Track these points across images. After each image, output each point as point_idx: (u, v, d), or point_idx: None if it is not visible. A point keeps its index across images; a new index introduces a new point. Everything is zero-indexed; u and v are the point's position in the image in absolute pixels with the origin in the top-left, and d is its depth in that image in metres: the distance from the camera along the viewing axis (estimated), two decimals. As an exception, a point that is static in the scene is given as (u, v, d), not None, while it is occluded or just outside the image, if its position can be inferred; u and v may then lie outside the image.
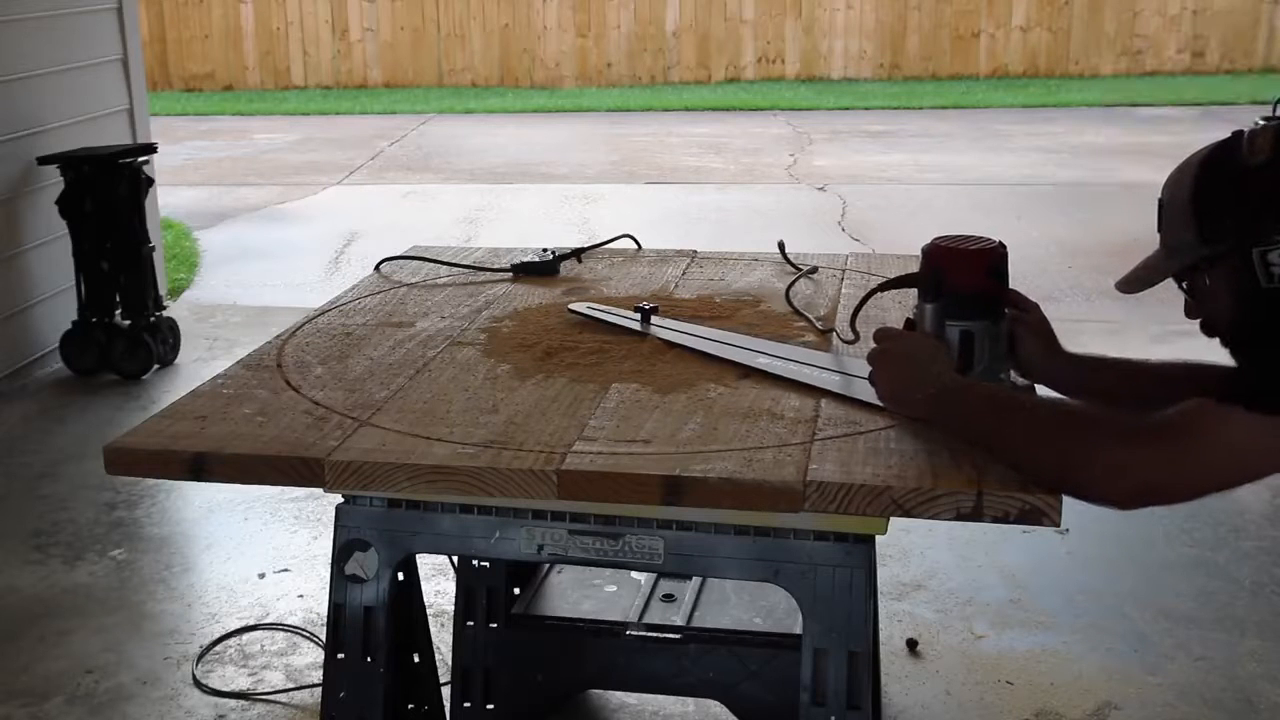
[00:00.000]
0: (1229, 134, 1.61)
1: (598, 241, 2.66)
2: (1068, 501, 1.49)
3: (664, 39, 13.25)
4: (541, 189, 8.48)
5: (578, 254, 2.57)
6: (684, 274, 2.47)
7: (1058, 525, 1.51)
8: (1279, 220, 1.49)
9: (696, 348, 1.98)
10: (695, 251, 2.64)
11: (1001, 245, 1.72)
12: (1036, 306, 1.86)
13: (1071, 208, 7.39)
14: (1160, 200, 1.65)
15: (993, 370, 1.72)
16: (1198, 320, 1.65)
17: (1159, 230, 1.66)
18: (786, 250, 2.52)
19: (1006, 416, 1.58)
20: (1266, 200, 1.51)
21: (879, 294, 1.91)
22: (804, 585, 1.65)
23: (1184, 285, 1.65)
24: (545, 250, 2.54)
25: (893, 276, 1.90)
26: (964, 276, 1.70)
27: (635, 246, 2.66)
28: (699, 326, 2.08)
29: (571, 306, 2.21)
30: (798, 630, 1.71)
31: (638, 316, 2.11)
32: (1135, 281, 1.69)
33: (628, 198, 8.19)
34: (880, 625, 2.81)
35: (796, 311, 2.18)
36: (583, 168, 9.22)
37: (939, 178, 8.49)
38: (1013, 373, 1.79)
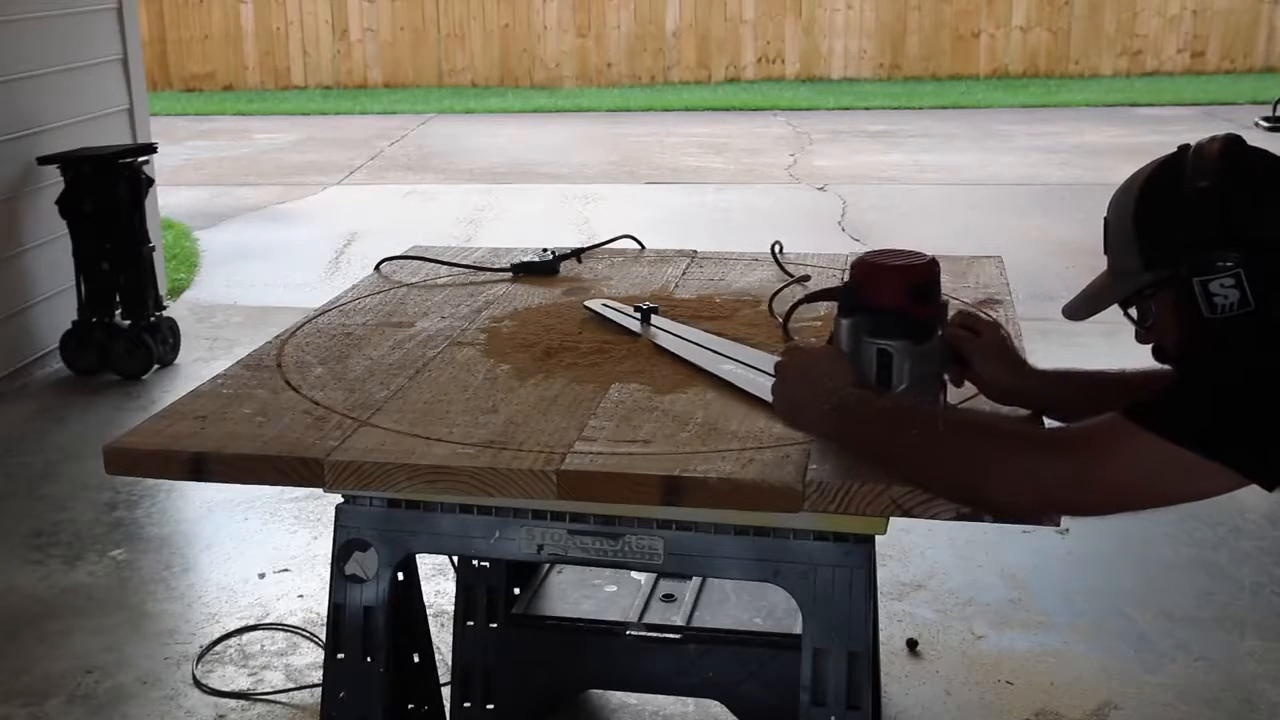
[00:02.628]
0: (1176, 149, 1.55)
1: (598, 242, 2.66)
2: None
3: (664, 39, 13.25)
4: (541, 189, 8.48)
5: (578, 254, 2.57)
6: (684, 274, 2.47)
7: (1058, 525, 1.51)
8: (1222, 248, 1.43)
9: (681, 354, 1.96)
10: (695, 251, 2.64)
11: (931, 264, 1.64)
12: (994, 325, 1.80)
13: (1071, 208, 7.38)
14: (1105, 219, 1.59)
15: (918, 393, 1.62)
16: (1149, 346, 1.59)
17: (1105, 251, 1.60)
18: (784, 250, 2.52)
19: (906, 430, 1.51)
20: (1208, 227, 1.45)
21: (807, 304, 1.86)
22: (804, 585, 1.65)
23: (1129, 312, 1.58)
24: (545, 250, 2.54)
25: (820, 288, 1.81)
26: (881, 293, 1.62)
27: (638, 247, 2.66)
28: (693, 330, 2.07)
29: (587, 303, 2.22)
30: (798, 630, 1.71)
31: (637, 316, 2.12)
32: (1080, 308, 1.63)
33: (628, 198, 8.19)
34: (880, 625, 2.81)
35: (780, 323, 2.11)
36: (583, 168, 9.22)
37: (939, 178, 8.49)
38: (946, 398, 1.69)
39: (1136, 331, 1.59)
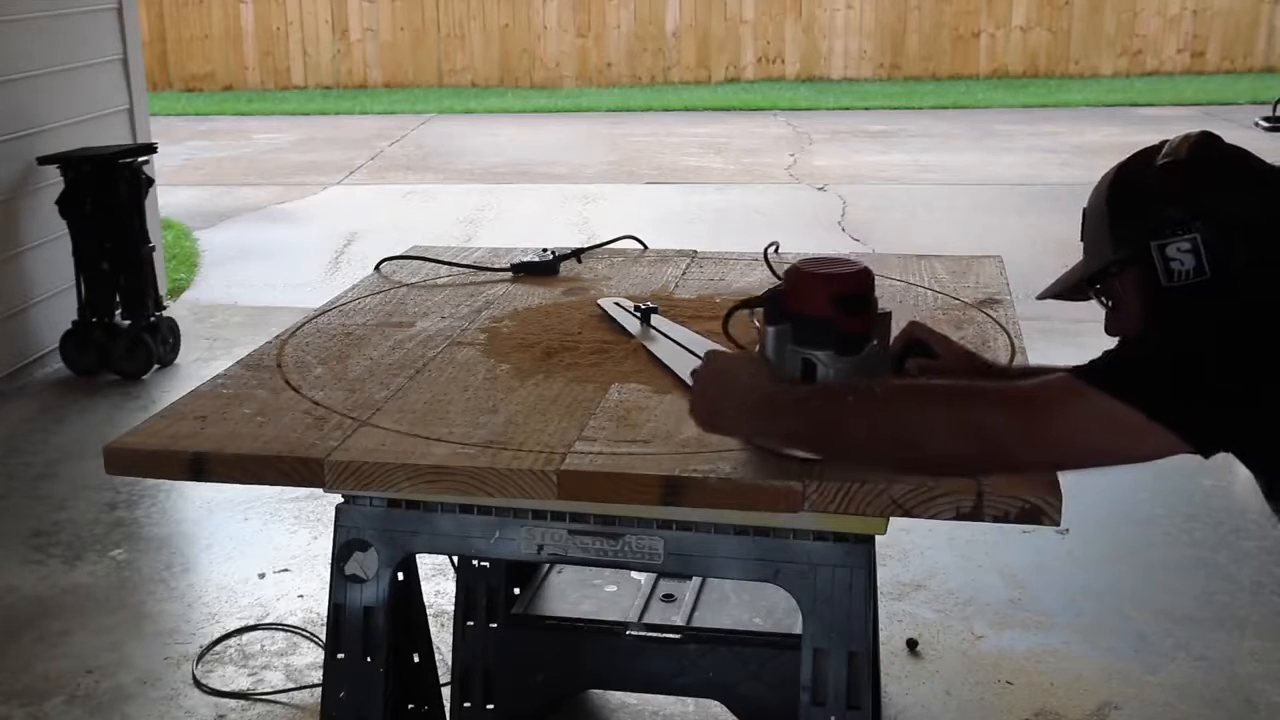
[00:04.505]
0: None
1: (598, 242, 2.66)
2: (1068, 500, 1.49)
3: (664, 39, 13.25)
4: (541, 189, 8.48)
5: (578, 254, 2.57)
6: (684, 274, 2.47)
7: (1058, 525, 1.51)
8: (1180, 210, 1.45)
9: (667, 363, 1.94)
10: (695, 251, 2.65)
11: (862, 274, 1.58)
12: (948, 341, 1.75)
13: (1071, 207, 7.27)
14: (1084, 209, 1.61)
15: None
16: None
17: (1081, 239, 1.62)
18: (783, 251, 2.52)
19: (836, 402, 1.49)
20: (1171, 199, 1.47)
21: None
22: (804, 585, 1.65)
23: (1101, 297, 1.59)
24: (545, 250, 2.54)
25: (754, 295, 1.74)
26: (807, 301, 1.56)
27: (640, 247, 2.67)
28: (688, 332, 2.07)
29: (600, 302, 2.22)
30: (798, 630, 1.71)
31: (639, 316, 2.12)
32: (1051, 290, 1.64)
33: (627, 198, 8.19)
34: (880, 625, 2.81)
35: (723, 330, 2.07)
36: (583, 168, 9.22)
37: (939, 178, 8.49)
38: None
39: (1105, 322, 1.60)
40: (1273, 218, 1.46)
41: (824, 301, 1.55)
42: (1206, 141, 1.53)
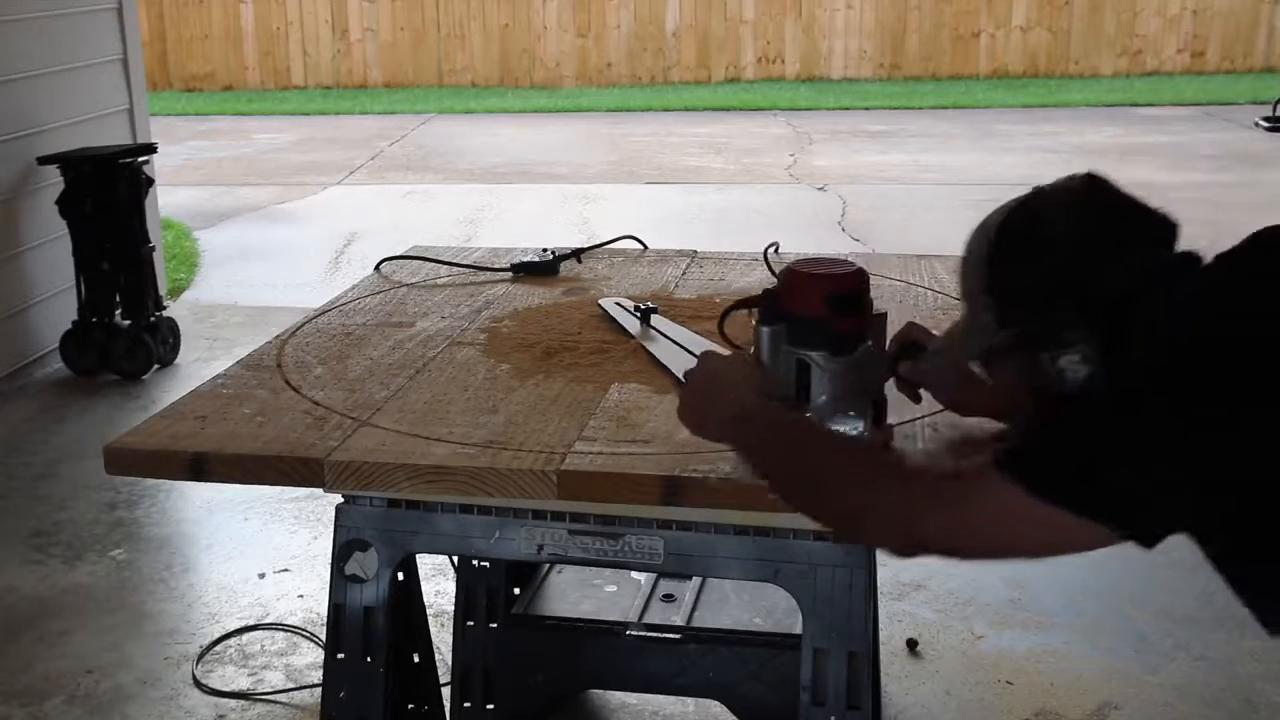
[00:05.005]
0: (1030, 192, 1.47)
1: (598, 242, 2.66)
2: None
3: (664, 39, 13.25)
4: (541, 189, 8.48)
5: (578, 254, 2.56)
6: (684, 274, 2.47)
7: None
8: (1068, 319, 1.38)
9: (666, 363, 1.94)
10: (695, 251, 2.64)
11: (857, 274, 1.57)
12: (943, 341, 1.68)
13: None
14: (962, 260, 1.51)
15: (838, 409, 1.56)
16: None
17: (961, 295, 1.53)
18: (783, 251, 2.52)
19: (795, 450, 1.47)
20: (1053, 293, 1.40)
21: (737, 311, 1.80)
22: (804, 585, 1.65)
23: (981, 364, 1.52)
24: (545, 250, 2.54)
25: (749, 295, 1.73)
26: (801, 302, 1.56)
27: (641, 247, 2.66)
28: (687, 332, 2.07)
29: (600, 301, 2.22)
30: (798, 630, 1.71)
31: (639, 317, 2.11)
32: (937, 361, 1.61)
33: (627, 198, 8.19)
34: (880, 625, 2.81)
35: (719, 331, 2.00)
36: (583, 168, 9.22)
37: (939, 178, 8.49)
38: (873, 416, 1.60)
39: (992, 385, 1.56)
40: (1163, 287, 1.37)
41: (818, 302, 1.55)
42: (1081, 205, 1.43)
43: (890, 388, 1.67)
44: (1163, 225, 1.44)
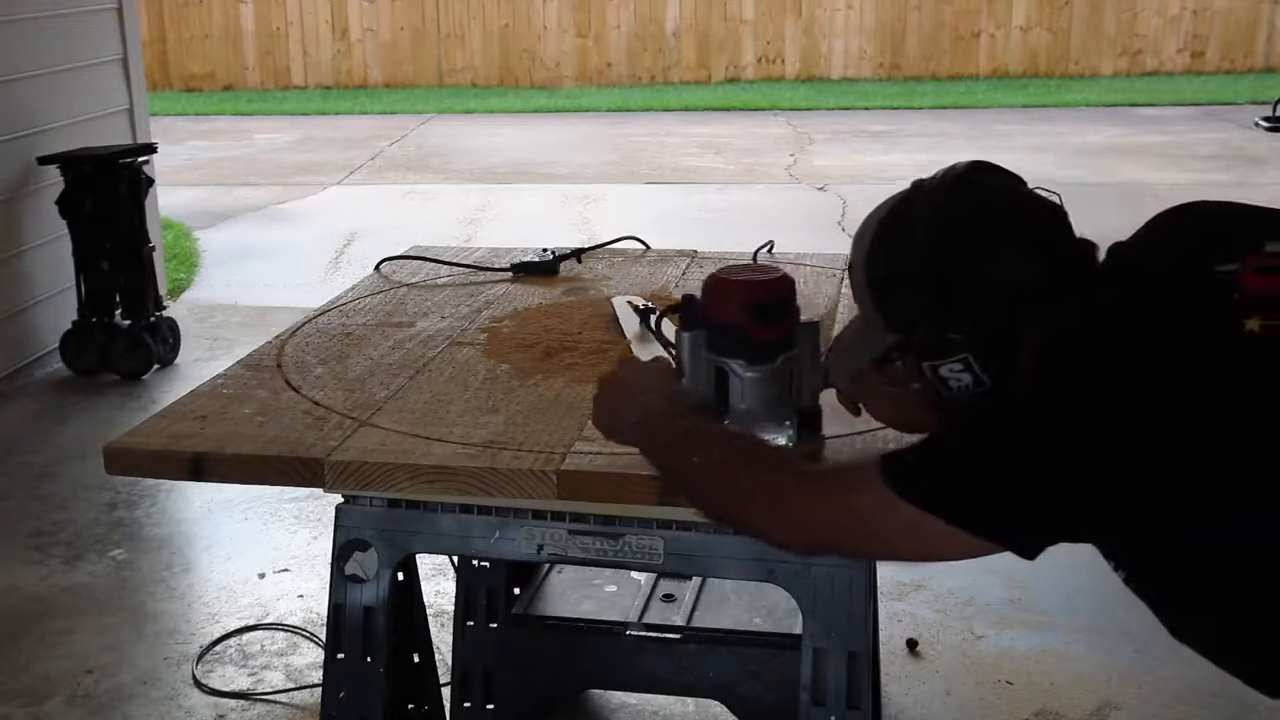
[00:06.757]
0: (910, 186, 1.46)
1: (598, 242, 2.66)
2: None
3: (664, 39, 13.25)
4: (541, 189, 8.48)
5: (578, 254, 2.57)
6: (684, 274, 2.47)
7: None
8: (948, 327, 1.37)
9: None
10: (695, 251, 2.65)
11: (779, 281, 1.55)
12: None
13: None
14: (849, 263, 1.51)
15: (759, 418, 1.53)
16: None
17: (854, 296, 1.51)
18: (778, 251, 2.51)
19: (692, 446, 1.45)
20: (932, 300, 1.38)
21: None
22: (803, 585, 1.64)
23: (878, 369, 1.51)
24: (545, 250, 2.54)
25: (673, 301, 1.70)
26: (720, 308, 1.53)
27: (642, 247, 2.67)
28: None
29: (613, 300, 2.22)
30: (798, 630, 1.71)
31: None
32: (838, 366, 1.58)
33: (628, 198, 8.19)
34: (880, 625, 2.81)
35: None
36: (583, 168, 9.22)
37: (939, 178, 8.48)
38: (785, 433, 1.57)
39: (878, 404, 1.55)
40: (1047, 285, 1.35)
41: (736, 308, 1.52)
42: (953, 202, 1.41)
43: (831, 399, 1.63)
44: (1047, 217, 1.41)
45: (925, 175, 1.48)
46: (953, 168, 1.45)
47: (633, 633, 2.32)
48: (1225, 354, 1.25)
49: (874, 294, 1.46)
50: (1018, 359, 1.36)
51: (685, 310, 1.57)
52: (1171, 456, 1.22)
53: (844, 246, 1.67)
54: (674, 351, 1.64)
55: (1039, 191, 1.44)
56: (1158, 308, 1.30)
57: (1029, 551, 1.32)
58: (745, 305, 1.52)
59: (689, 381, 1.57)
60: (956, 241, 1.39)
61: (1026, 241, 1.38)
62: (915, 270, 1.40)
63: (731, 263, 1.70)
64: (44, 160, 4.61)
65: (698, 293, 1.58)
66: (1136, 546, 1.32)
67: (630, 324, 2.10)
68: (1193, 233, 1.39)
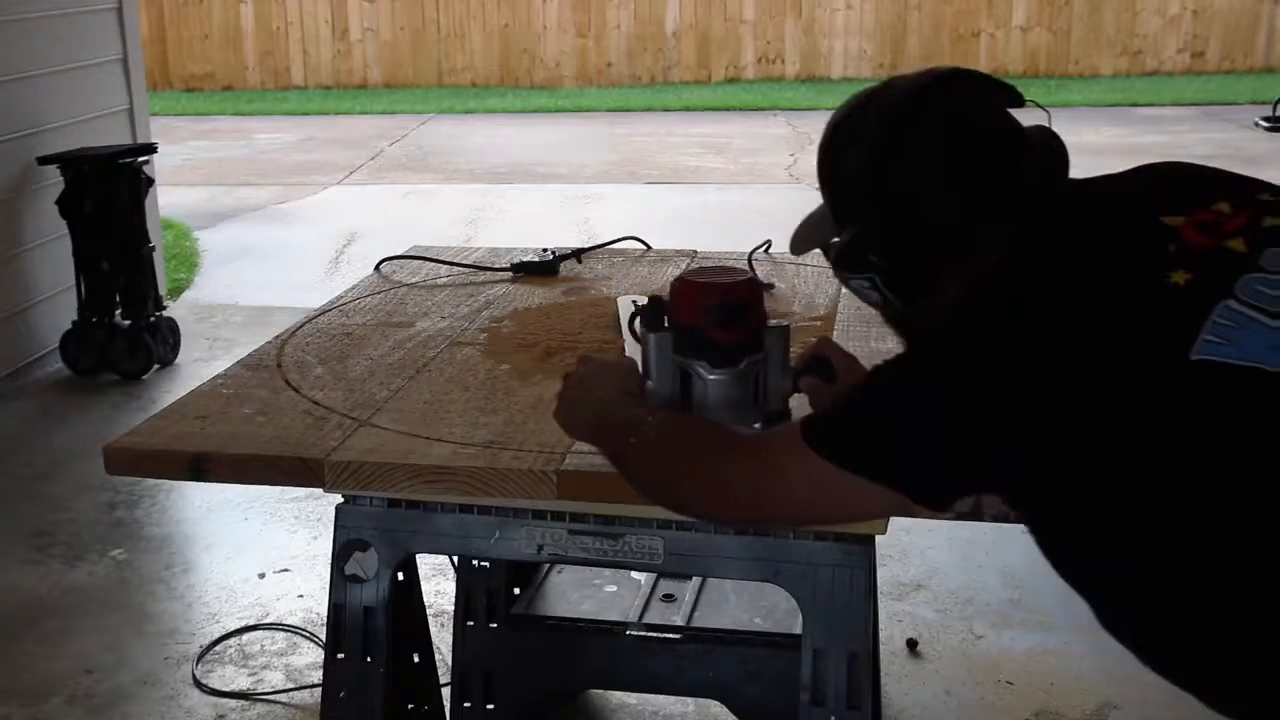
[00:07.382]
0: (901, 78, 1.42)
1: (598, 242, 2.66)
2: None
3: (664, 39, 13.25)
4: (541, 189, 8.48)
5: (578, 254, 2.57)
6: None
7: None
8: (868, 241, 1.38)
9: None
10: (696, 251, 2.65)
11: (744, 285, 1.55)
12: (854, 362, 1.63)
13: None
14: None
15: (725, 421, 1.52)
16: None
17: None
18: (775, 251, 2.51)
19: (627, 437, 1.46)
20: (860, 207, 1.39)
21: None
22: (804, 585, 1.65)
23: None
24: (545, 250, 2.54)
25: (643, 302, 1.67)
26: (684, 310, 1.54)
27: (642, 247, 2.67)
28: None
29: (619, 299, 2.22)
30: (798, 630, 1.71)
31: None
32: (798, 243, 1.61)
33: (628, 198, 8.19)
34: (880, 625, 2.81)
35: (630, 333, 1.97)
36: (583, 168, 9.22)
37: (939, 178, 8.48)
38: (767, 423, 1.57)
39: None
40: (982, 221, 1.32)
41: (697, 311, 1.53)
42: (905, 111, 1.37)
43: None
44: (1004, 145, 1.36)
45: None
46: (929, 72, 1.42)
47: (633, 633, 2.32)
48: (1132, 317, 1.20)
49: (823, 186, 1.47)
50: (934, 291, 1.35)
51: (651, 312, 1.58)
52: (1034, 419, 1.20)
53: (844, 248, 1.64)
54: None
55: (1031, 107, 1.42)
56: (1087, 253, 1.27)
57: (936, 501, 1.30)
58: (706, 308, 1.53)
59: (655, 383, 1.57)
60: (891, 164, 1.37)
61: (962, 177, 1.35)
62: (852, 177, 1.41)
63: (721, 264, 1.69)
64: (44, 160, 4.61)
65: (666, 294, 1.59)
66: (1025, 503, 1.31)
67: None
68: (1145, 182, 1.39)
